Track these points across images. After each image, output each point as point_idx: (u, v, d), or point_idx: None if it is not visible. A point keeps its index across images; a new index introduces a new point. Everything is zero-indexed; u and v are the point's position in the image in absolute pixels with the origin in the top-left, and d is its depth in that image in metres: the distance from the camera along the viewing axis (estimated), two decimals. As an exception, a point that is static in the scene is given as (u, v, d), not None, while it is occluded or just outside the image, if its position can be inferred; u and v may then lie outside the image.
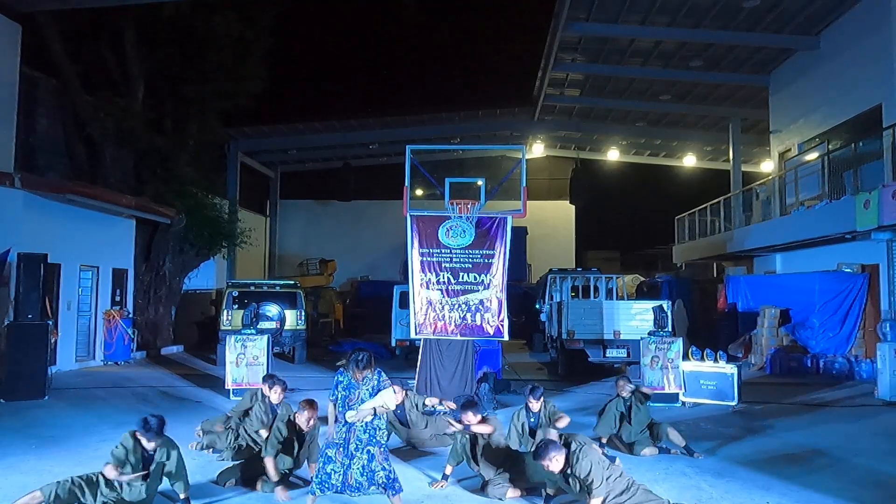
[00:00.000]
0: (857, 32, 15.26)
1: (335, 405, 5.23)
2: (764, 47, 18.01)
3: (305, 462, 6.14)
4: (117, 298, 15.87)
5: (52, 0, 14.42)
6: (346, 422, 5.05)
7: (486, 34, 33.87)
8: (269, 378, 7.21)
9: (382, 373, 5.27)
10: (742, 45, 17.96)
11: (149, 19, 17.15)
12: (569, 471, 5.00)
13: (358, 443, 5.05)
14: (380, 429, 5.18)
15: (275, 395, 6.86)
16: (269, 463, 5.76)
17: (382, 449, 5.18)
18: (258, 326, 11.28)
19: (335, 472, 5.05)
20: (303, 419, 5.92)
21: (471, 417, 6.17)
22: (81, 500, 5.01)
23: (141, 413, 9.31)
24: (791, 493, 5.99)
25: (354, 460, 5.03)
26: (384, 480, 5.09)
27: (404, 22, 31.14)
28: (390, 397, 5.13)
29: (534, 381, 7.74)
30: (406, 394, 7.65)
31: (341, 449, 5.06)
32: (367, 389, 5.08)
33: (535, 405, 6.89)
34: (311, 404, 5.96)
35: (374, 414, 5.09)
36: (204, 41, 18.02)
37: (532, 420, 6.92)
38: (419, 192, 20.66)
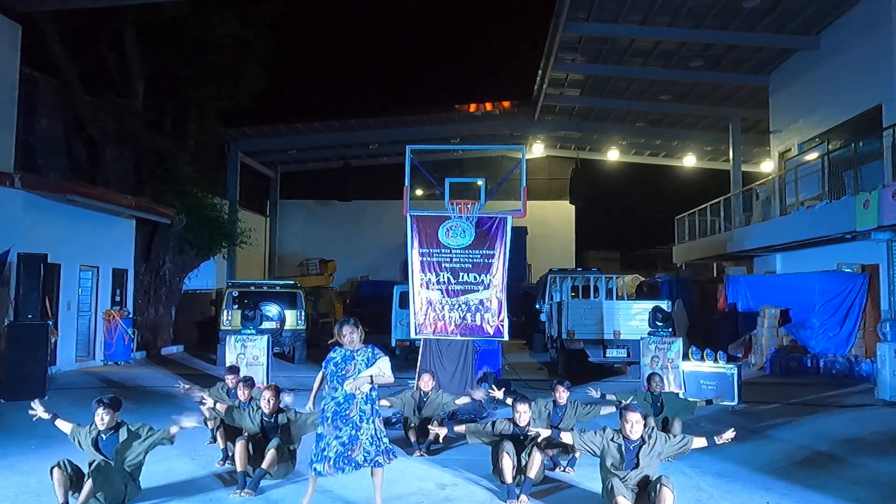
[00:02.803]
0: (857, 32, 15.26)
1: (324, 378, 5.33)
2: (764, 47, 18.00)
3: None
4: (117, 298, 15.87)
5: (52, 0, 14.42)
6: (345, 393, 5.12)
7: (486, 34, 33.95)
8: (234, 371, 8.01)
9: (376, 347, 5.35)
10: (742, 45, 17.96)
11: (149, 19, 17.16)
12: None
13: (362, 413, 5.14)
14: (377, 399, 5.34)
15: (241, 392, 7.01)
16: (238, 446, 5.96)
17: (380, 418, 5.36)
18: (258, 326, 11.28)
19: (329, 445, 5.10)
20: (263, 401, 6.31)
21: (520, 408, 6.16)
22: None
23: (140, 413, 9.34)
24: (791, 493, 5.99)
25: (362, 431, 5.10)
26: (386, 446, 5.25)
27: (404, 22, 31.20)
28: (386, 366, 5.22)
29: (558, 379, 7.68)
30: (435, 389, 7.95)
31: (340, 421, 5.10)
32: (363, 360, 5.18)
33: (563, 397, 6.87)
34: (270, 388, 6.44)
35: (371, 383, 5.16)
36: (204, 41, 18.04)
37: (558, 414, 6.89)
38: (419, 192, 20.65)
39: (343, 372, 5.16)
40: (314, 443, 5.23)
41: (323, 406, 5.21)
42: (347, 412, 5.11)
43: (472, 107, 26.97)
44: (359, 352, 5.23)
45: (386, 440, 5.28)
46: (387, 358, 5.27)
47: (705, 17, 16.44)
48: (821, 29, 16.59)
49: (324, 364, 5.30)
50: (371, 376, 5.14)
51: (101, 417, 5.45)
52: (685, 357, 10.30)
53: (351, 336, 5.23)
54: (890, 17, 13.91)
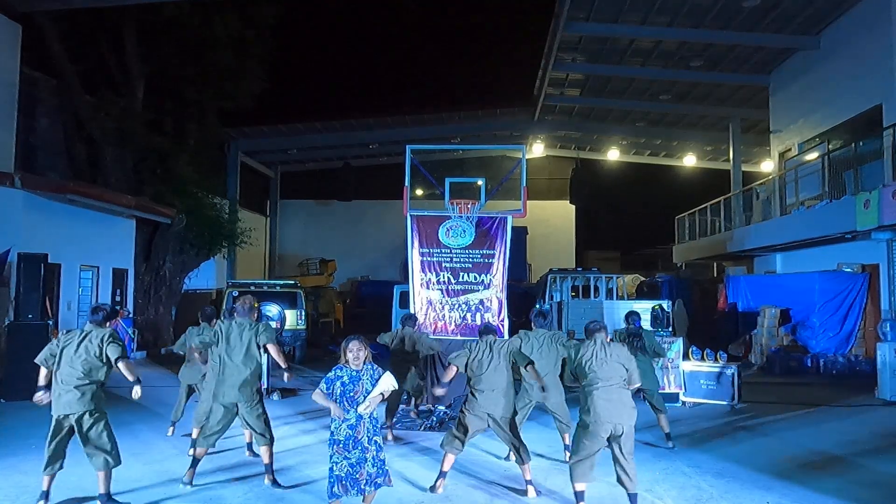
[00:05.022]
0: (857, 32, 15.27)
1: (327, 397, 5.04)
2: (764, 47, 18.01)
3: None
4: (117, 298, 15.87)
5: (52, 0, 14.42)
6: (358, 415, 4.97)
7: (486, 34, 33.93)
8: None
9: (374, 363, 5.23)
10: (742, 45, 17.96)
11: (149, 19, 17.16)
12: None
13: (368, 435, 5.01)
14: (377, 418, 5.22)
15: None
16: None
17: (381, 436, 5.24)
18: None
19: (338, 464, 4.96)
20: None
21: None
22: None
23: (139, 413, 9.34)
24: (791, 492, 5.99)
25: (369, 453, 5.00)
26: (386, 468, 5.12)
27: (404, 22, 31.20)
28: (391, 381, 5.12)
29: None
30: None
31: (350, 444, 4.97)
32: (368, 380, 5.05)
33: None
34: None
35: (383, 401, 5.11)
36: (204, 41, 18.03)
37: None
38: (419, 192, 20.68)
39: (352, 394, 4.98)
40: (329, 472, 5.01)
41: (332, 429, 5.02)
42: (357, 435, 4.98)
43: (473, 107, 26.97)
44: (363, 371, 5.07)
45: (385, 460, 5.15)
46: (388, 372, 5.18)
47: (705, 17, 16.44)
48: (821, 29, 16.59)
49: (326, 382, 5.03)
50: (382, 394, 5.04)
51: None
52: (685, 357, 10.30)
53: (357, 354, 5.03)
54: (890, 17, 13.91)
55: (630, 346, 7.29)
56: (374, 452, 5.03)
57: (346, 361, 5.05)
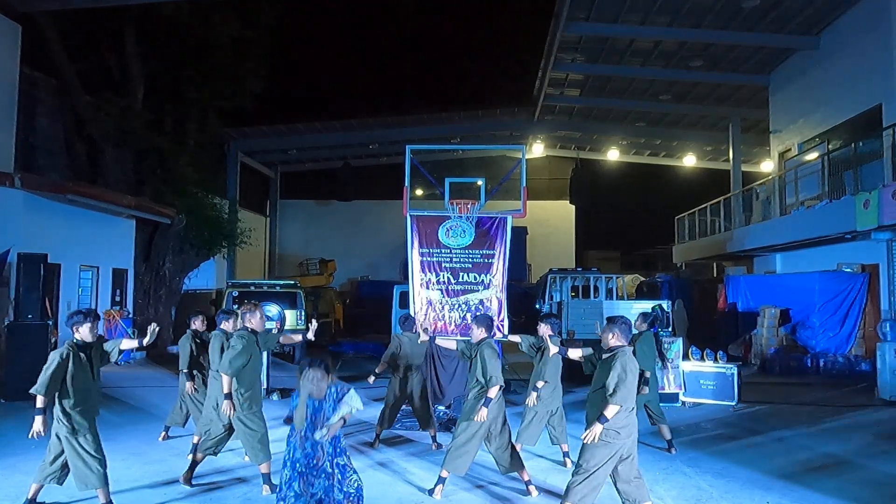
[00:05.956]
0: (857, 32, 15.27)
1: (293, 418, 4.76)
2: (764, 47, 18.02)
3: None
4: (117, 298, 15.87)
5: (52, 0, 14.42)
6: (313, 441, 4.62)
7: (486, 34, 33.94)
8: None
9: (339, 382, 4.86)
10: (742, 45, 17.97)
11: (149, 19, 17.16)
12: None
13: (329, 457, 4.66)
14: (341, 437, 4.82)
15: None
16: None
17: (348, 455, 4.84)
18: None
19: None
20: None
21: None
22: None
23: (139, 414, 9.35)
24: (791, 492, 6.00)
25: (333, 476, 4.65)
26: (356, 487, 4.75)
27: (404, 22, 31.19)
28: (355, 403, 4.74)
29: None
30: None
31: (313, 473, 4.62)
32: (329, 405, 4.68)
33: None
34: None
35: (344, 424, 4.73)
36: (204, 41, 18.03)
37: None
38: (419, 192, 20.69)
39: (314, 422, 4.63)
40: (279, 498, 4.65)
41: (293, 457, 4.65)
42: (316, 461, 4.62)
43: (473, 107, 26.98)
44: (326, 397, 4.65)
45: (355, 477, 4.76)
46: (352, 390, 4.81)
47: (705, 17, 16.45)
48: (821, 29, 16.60)
49: (292, 403, 4.78)
50: (343, 419, 4.65)
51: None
52: (685, 357, 10.30)
53: (319, 385, 4.59)
54: (890, 16, 13.92)
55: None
56: (339, 476, 4.67)
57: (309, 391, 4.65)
